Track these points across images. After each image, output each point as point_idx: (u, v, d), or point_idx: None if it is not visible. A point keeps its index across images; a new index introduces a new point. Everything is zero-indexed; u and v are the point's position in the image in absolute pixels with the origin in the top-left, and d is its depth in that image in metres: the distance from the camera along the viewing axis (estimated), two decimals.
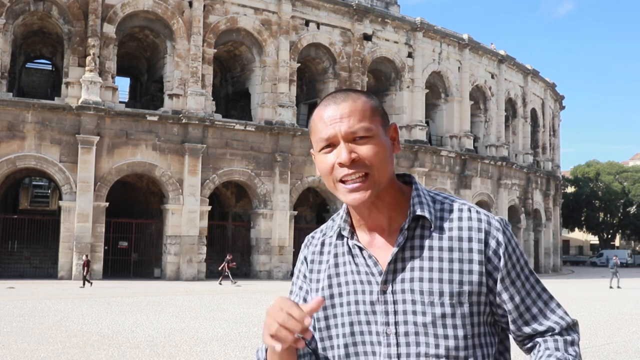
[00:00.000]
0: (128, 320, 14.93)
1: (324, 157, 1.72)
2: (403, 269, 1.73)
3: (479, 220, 1.75)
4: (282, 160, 34.75)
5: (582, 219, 78.29)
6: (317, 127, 1.74)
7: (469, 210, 1.77)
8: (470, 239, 1.72)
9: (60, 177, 29.81)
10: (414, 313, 1.70)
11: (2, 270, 30.23)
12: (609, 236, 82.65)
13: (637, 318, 18.50)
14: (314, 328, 1.83)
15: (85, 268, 26.08)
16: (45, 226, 33.99)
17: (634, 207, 78.93)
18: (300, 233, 36.49)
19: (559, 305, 1.78)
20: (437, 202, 1.80)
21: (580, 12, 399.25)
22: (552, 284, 34.31)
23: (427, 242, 1.74)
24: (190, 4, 33.13)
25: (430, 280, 1.70)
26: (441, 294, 1.69)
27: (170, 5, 32.74)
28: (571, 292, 28.00)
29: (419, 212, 1.74)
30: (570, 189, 78.19)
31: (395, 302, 1.72)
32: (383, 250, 1.76)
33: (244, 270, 36.15)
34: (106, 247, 31.19)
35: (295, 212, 35.73)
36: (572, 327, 1.77)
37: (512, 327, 1.76)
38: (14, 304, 17.83)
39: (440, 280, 1.70)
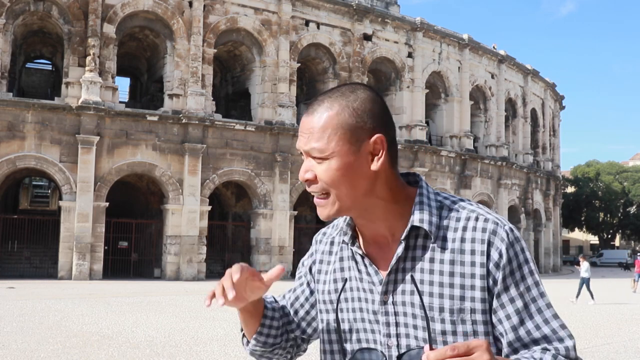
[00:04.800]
0: (128, 320, 14.93)
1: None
2: (403, 280, 1.64)
3: (484, 230, 1.61)
4: (282, 160, 34.74)
5: (582, 219, 78.28)
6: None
7: (476, 219, 1.63)
8: (472, 252, 1.60)
9: (60, 177, 29.80)
10: (415, 327, 1.62)
11: (2, 270, 30.21)
12: (609, 236, 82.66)
13: (637, 318, 18.50)
14: (328, 330, 1.80)
15: None
16: (45, 226, 33.97)
17: (634, 207, 78.96)
18: (301, 233, 36.50)
19: (569, 336, 1.58)
20: (445, 207, 1.67)
21: (582, 13, 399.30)
22: (552, 284, 34.32)
23: (428, 254, 1.63)
24: (190, 4, 33.12)
25: (431, 294, 1.60)
26: (441, 309, 1.59)
27: (170, 5, 32.74)
28: (571, 293, 27.95)
29: (416, 223, 1.62)
30: (570, 189, 78.18)
31: (396, 314, 1.65)
32: (384, 259, 1.68)
33: None
34: (106, 247, 31.18)
35: (295, 212, 35.73)
36: (569, 351, 1.57)
37: (506, 350, 1.59)
38: (14, 304, 17.82)
39: (441, 295, 1.59)
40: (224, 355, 10.62)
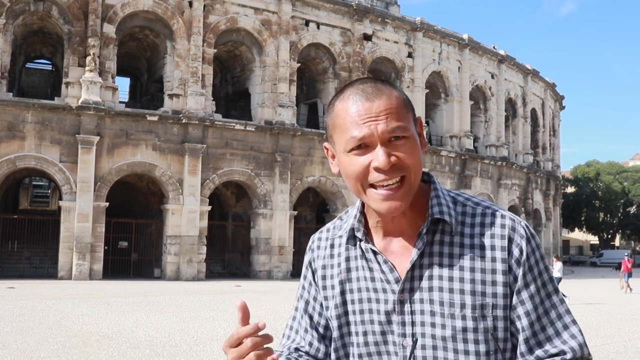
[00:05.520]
0: (128, 320, 14.93)
1: (354, 159, 1.54)
2: (421, 277, 1.60)
3: (503, 226, 1.60)
4: (282, 160, 34.73)
5: (582, 219, 78.22)
6: (345, 123, 1.55)
7: (493, 214, 1.62)
8: (493, 247, 1.59)
9: (60, 177, 29.80)
10: (433, 325, 1.58)
11: (2, 270, 30.22)
12: (609, 236, 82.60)
13: (637, 318, 18.51)
14: (330, 338, 1.76)
15: None
16: (45, 226, 33.96)
17: (634, 207, 78.88)
18: (300, 233, 36.48)
19: (579, 332, 1.61)
20: (459, 203, 1.66)
21: (582, 13, 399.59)
22: None
23: (447, 249, 1.60)
24: (190, 4, 33.11)
25: (451, 290, 1.57)
26: (462, 306, 1.56)
27: (170, 5, 32.73)
28: (571, 293, 27.97)
29: (437, 216, 1.60)
30: (570, 189, 78.14)
31: (413, 313, 1.60)
32: (400, 256, 1.63)
33: (243, 270, 36.16)
34: (106, 247, 31.17)
35: (295, 212, 35.72)
36: (582, 348, 1.60)
37: (522, 347, 1.59)
38: (14, 304, 17.82)
39: (462, 291, 1.57)
40: (223, 356, 10.57)
